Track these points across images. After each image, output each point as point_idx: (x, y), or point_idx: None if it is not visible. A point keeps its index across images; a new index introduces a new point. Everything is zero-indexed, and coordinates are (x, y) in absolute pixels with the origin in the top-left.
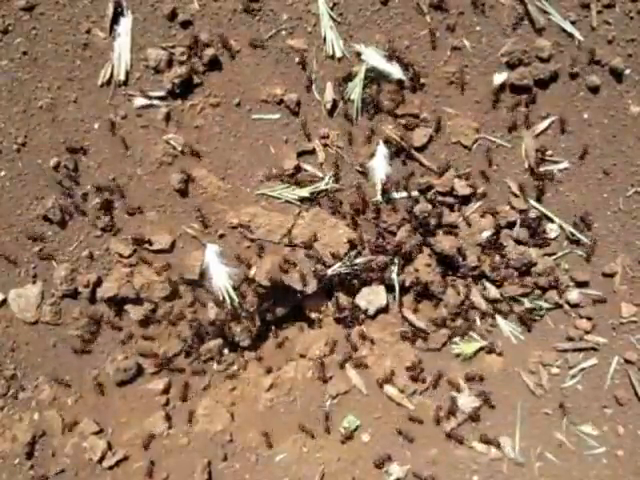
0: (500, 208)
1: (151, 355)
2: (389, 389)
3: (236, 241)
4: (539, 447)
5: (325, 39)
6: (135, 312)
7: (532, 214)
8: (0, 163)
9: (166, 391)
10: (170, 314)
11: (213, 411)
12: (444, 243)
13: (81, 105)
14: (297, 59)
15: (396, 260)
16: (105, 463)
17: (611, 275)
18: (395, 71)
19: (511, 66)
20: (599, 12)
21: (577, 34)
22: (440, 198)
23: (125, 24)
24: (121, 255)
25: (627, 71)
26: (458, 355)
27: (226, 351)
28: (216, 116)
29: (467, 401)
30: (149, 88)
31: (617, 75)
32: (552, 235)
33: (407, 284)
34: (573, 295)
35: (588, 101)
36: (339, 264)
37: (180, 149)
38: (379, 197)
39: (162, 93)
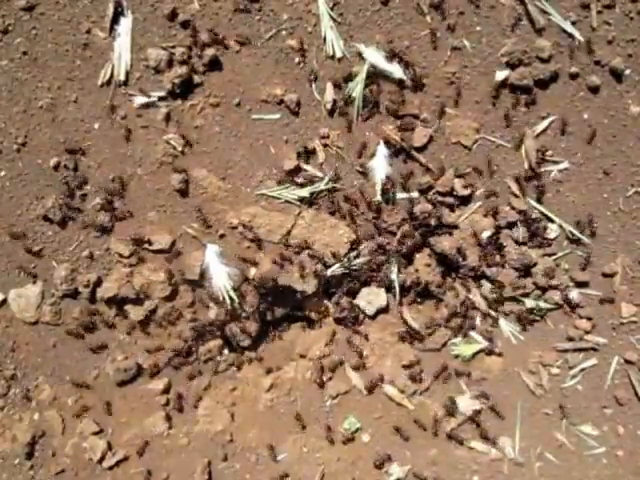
0: (500, 208)
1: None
2: (389, 389)
3: (236, 241)
4: (539, 447)
5: (325, 39)
6: (135, 312)
7: (532, 214)
8: (0, 163)
9: (166, 391)
10: (170, 314)
11: (213, 411)
12: (444, 243)
13: (81, 105)
14: (297, 59)
15: (396, 260)
16: (105, 463)
17: (611, 275)
18: (395, 71)
19: (511, 66)
20: (599, 12)
21: (577, 34)
22: (440, 198)
23: (125, 24)
24: (121, 255)
25: (627, 71)
26: (457, 356)
27: (226, 351)
28: (216, 116)
29: (467, 404)
30: (149, 88)
31: (617, 75)
32: (552, 235)
33: (407, 284)
34: (573, 295)
35: (588, 101)
36: (339, 264)
37: (180, 149)
38: (379, 197)
39: (162, 93)
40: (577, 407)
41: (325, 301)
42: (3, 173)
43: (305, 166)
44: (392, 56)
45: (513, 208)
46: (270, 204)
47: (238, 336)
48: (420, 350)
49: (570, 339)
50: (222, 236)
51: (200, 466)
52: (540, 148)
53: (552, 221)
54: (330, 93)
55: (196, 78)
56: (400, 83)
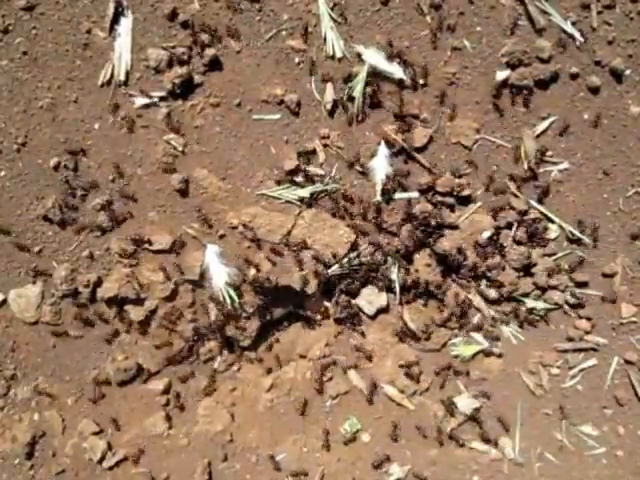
0: (500, 209)
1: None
2: (389, 389)
3: (236, 241)
4: (539, 447)
5: (325, 39)
6: (135, 312)
7: (532, 214)
8: (0, 163)
9: (166, 391)
10: (170, 314)
11: (213, 412)
12: (444, 243)
13: (81, 105)
14: (297, 59)
15: (396, 260)
16: (105, 463)
17: (611, 275)
18: (396, 71)
19: (511, 66)
20: (599, 13)
21: (577, 35)
22: (440, 198)
23: (125, 24)
24: (121, 255)
25: (627, 72)
26: (457, 356)
27: (226, 351)
28: (216, 116)
29: (466, 403)
30: (149, 88)
31: (617, 76)
32: (552, 235)
33: (407, 284)
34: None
35: (588, 101)
36: (339, 264)
37: (181, 149)
38: (379, 197)
39: (162, 93)
40: (577, 407)
41: (325, 301)
42: (3, 173)
43: (305, 166)
44: (393, 56)
45: (513, 208)
46: (270, 204)
47: (238, 336)
48: (420, 350)
49: (570, 339)
50: (222, 236)
51: (200, 466)
52: (540, 148)
53: (552, 221)
54: (330, 93)
55: (196, 78)
56: (400, 83)
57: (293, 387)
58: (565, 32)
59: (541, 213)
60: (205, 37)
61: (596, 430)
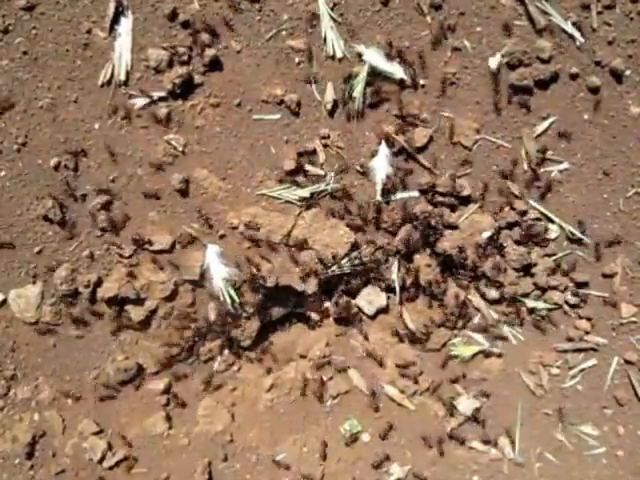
0: (500, 209)
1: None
2: (389, 389)
3: (236, 241)
4: (539, 447)
5: (325, 39)
6: (135, 312)
7: (532, 215)
8: (0, 163)
9: (166, 391)
10: (170, 314)
11: (213, 411)
12: (444, 243)
13: (81, 105)
14: (297, 59)
15: (396, 260)
16: (105, 463)
17: (611, 276)
18: (396, 71)
19: (511, 67)
20: (599, 13)
21: (577, 35)
22: (440, 198)
23: (126, 24)
24: (121, 255)
25: (627, 72)
26: (457, 356)
27: (226, 351)
28: (217, 116)
29: (467, 404)
30: (150, 88)
31: (617, 76)
32: (552, 235)
33: (407, 284)
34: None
35: (588, 102)
36: (339, 264)
37: (181, 149)
38: (379, 197)
39: (163, 93)
40: (577, 407)
41: (325, 301)
42: (3, 173)
43: (305, 166)
44: (394, 56)
45: (513, 208)
46: (270, 204)
47: (238, 336)
48: (420, 350)
49: (570, 339)
50: (222, 236)
51: (200, 466)
52: (540, 148)
53: (552, 221)
54: (330, 93)
55: (196, 78)
56: (400, 83)
57: (293, 387)
58: (565, 32)
59: (541, 213)
60: (205, 37)
61: (596, 430)
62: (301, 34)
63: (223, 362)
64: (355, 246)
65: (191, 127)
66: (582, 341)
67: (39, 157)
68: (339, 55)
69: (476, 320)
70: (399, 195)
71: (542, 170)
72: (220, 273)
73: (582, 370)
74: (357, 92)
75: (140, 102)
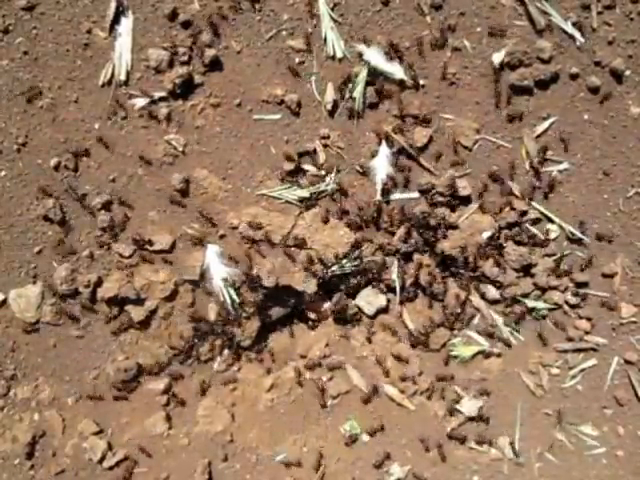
0: (500, 209)
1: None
2: (389, 389)
3: (236, 241)
4: (539, 447)
5: (326, 40)
6: (135, 312)
7: (532, 215)
8: (0, 163)
9: (166, 391)
10: (170, 315)
11: (213, 412)
12: (444, 243)
13: (82, 105)
14: (297, 59)
15: (396, 260)
16: (105, 463)
17: (611, 276)
18: (396, 71)
19: (512, 67)
20: (599, 13)
21: (577, 35)
22: (440, 198)
23: (126, 24)
24: (121, 255)
25: (627, 72)
26: (457, 356)
27: (226, 351)
28: (217, 116)
29: (470, 405)
30: (150, 88)
31: (617, 76)
32: (552, 236)
33: (407, 284)
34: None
35: (588, 102)
36: (339, 264)
37: (181, 149)
38: (379, 197)
39: (163, 93)
40: (577, 407)
41: (325, 301)
42: (3, 173)
43: (306, 166)
44: (395, 56)
45: (513, 208)
46: (270, 204)
47: (238, 336)
48: (420, 350)
49: (570, 339)
50: (222, 236)
51: (200, 466)
52: (540, 149)
53: (552, 221)
54: (330, 93)
55: (197, 78)
56: (401, 83)
57: (293, 387)
58: (565, 32)
59: (541, 213)
60: (206, 37)
61: (596, 430)
62: (301, 34)
63: (223, 362)
64: (355, 246)
65: (191, 127)
66: (582, 341)
67: (39, 157)
68: (339, 55)
69: (476, 320)
70: (399, 195)
71: (543, 170)
72: (220, 273)
73: (582, 370)
74: (357, 92)
75: (140, 102)
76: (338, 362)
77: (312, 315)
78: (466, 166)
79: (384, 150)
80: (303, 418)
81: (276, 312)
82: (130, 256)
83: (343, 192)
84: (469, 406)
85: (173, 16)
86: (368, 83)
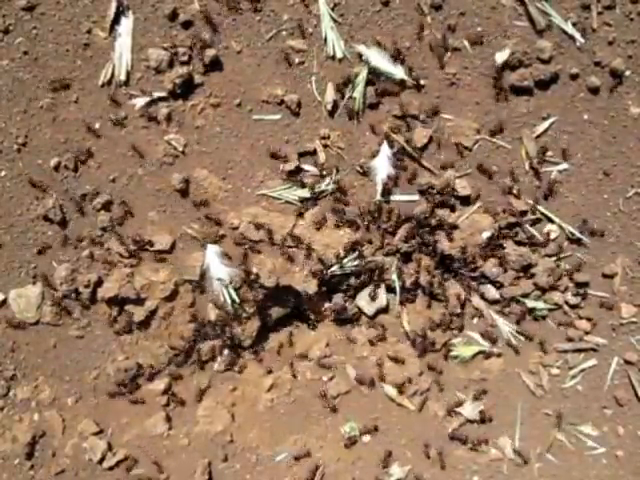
0: (500, 209)
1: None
2: (389, 389)
3: (237, 241)
4: (539, 447)
5: (326, 40)
6: (135, 312)
7: (532, 215)
8: (0, 163)
9: (166, 391)
10: (170, 315)
11: (213, 412)
12: (444, 243)
13: (82, 105)
14: (297, 59)
15: (396, 260)
16: (105, 464)
17: (611, 276)
18: (396, 71)
19: (512, 67)
20: (599, 13)
21: (577, 35)
22: (440, 198)
23: (126, 24)
24: (121, 255)
25: (627, 72)
26: (457, 357)
27: (226, 351)
28: (217, 116)
29: (471, 408)
30: (150, 88)
31: (617, 76)
32: (552, 236)
33: (407, 285)
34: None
35: (588, 102)
36: (339, 264)
37: (181, 149)
38: (379, 197)
39: (163, 93)
40: (577, 407)
41: (325, 301)
42: (3, 173)
43: (306, 166)
44: (395, 56)
45: (513, 209)
46: (271, 204)
47: (238, 336)
48: (420, 350)
49: (570, 339)
50: (222, 236)
51: (200, 466)
52: (540, 149)
53: (552, 222)
54: (331, 94)
55: (197, 78)
56: (401, 83)
57: (293, 387)
58: (565, 33)
59: (541, 213)
60: (206, 37)
61: (596, 430)
62: (301, 34)
63: (223, 362)
64: (355, 246)
65: (191, 127)
66: (582, 341)
67: (39, 157)
68: (339, 55)
69: (476, 320)
70: (399, 195)
71: (543, 170)
72: (220, 273)
73: (582, 370)
74: (357, 92)
75: (140, 102)
76: (333, 361)
77: (312, 315)
78: (466, 166)
79: (385, 150)
80: (303, 418)
81: (276, 312)
82: (130, 256)
83: (343, 192)
84: (470, 409)
85: (173, 16)
86: (368, 83)
